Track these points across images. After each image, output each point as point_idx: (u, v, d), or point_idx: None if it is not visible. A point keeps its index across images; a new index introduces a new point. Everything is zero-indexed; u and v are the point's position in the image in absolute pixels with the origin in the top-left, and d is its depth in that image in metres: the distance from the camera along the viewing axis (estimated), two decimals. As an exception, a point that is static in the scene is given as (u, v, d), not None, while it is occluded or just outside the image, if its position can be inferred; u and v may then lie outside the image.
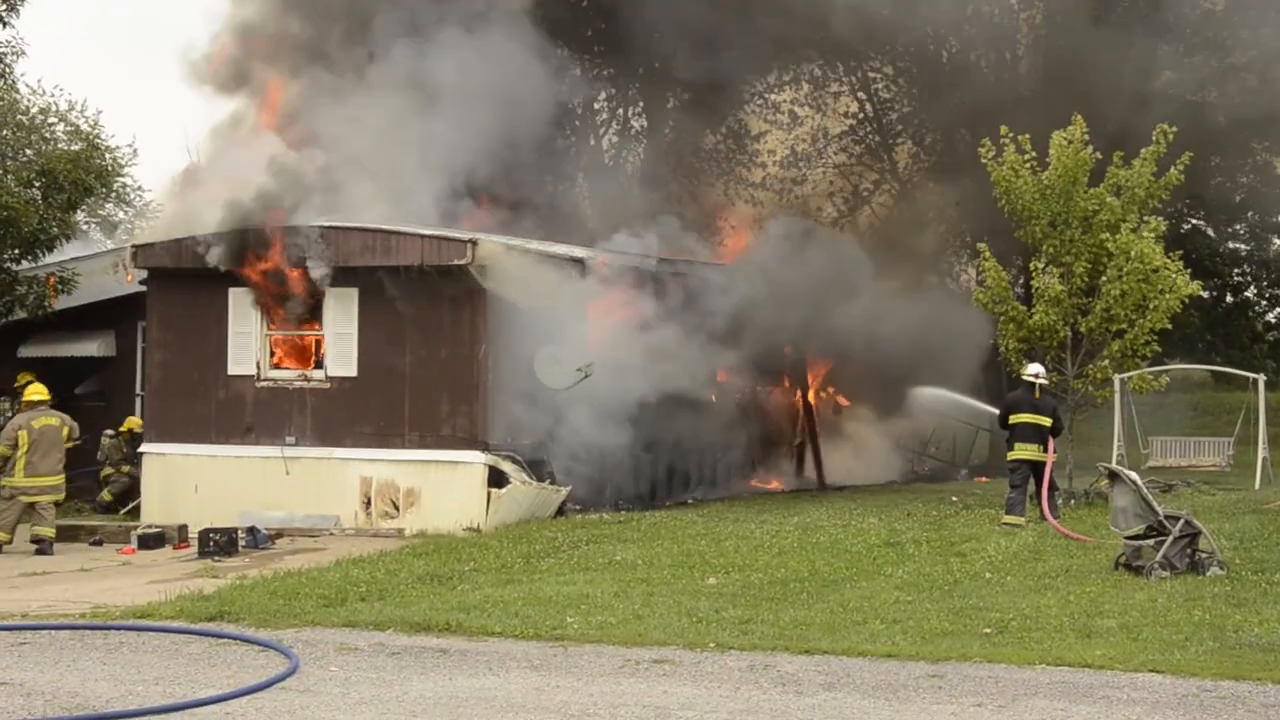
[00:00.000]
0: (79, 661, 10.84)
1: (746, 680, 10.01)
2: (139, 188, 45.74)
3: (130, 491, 21.15)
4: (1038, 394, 18.52)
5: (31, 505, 17.94)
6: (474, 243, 18.81)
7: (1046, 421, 18.35)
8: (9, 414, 23.34)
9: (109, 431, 21.58)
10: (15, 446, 18.06)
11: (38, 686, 9.96)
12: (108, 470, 21.45)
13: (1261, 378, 23.76)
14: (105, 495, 21.30)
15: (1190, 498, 20.35)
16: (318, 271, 19.18)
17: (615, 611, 12.38)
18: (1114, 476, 14.84)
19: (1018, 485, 18.17)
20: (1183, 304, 20.01)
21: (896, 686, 9.78)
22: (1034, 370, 18.75)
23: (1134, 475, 14.69)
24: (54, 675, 10.35)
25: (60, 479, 18.23)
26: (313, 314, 19.71)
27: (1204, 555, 13.97)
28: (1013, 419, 18.50)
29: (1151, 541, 14.01)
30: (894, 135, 32.18)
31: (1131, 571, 13.98)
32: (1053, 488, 18.30)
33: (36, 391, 18.67)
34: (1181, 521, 13.97)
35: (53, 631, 12.03)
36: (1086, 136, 19.97)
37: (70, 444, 18.46)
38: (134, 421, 21.70)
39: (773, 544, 16.40)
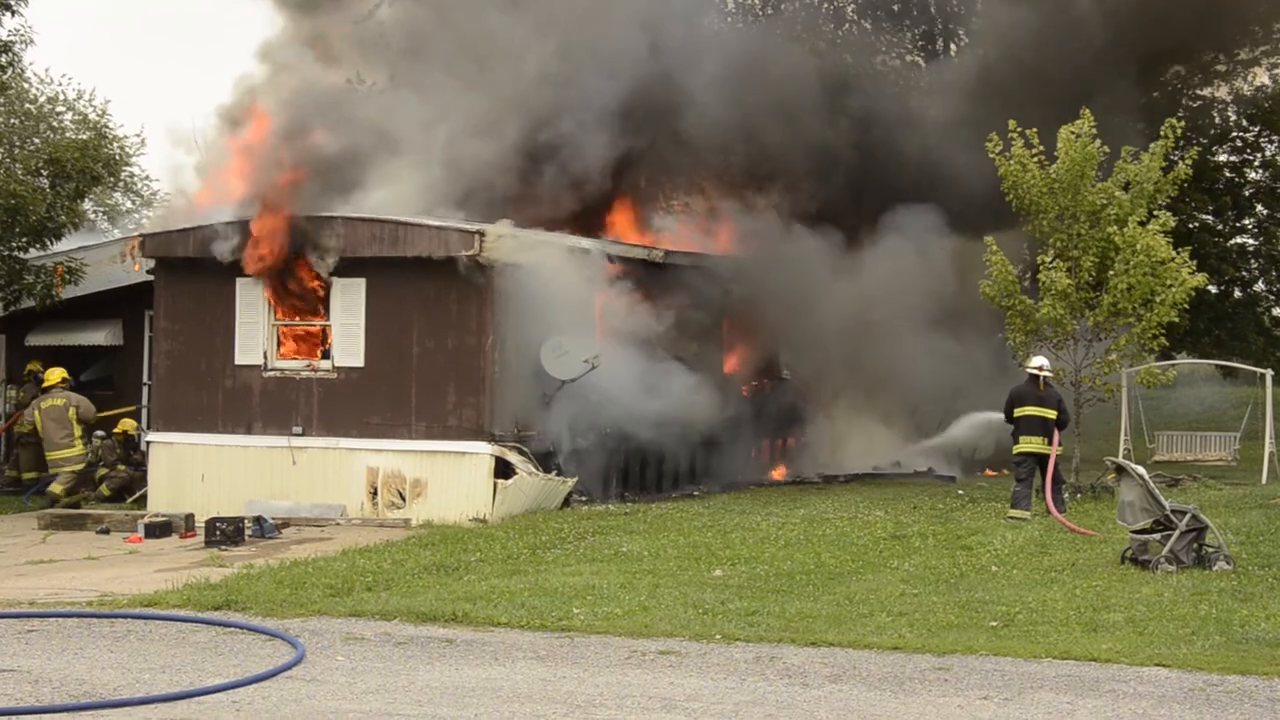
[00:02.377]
0: (86, 649, 10.87)
1: (752, 672, 10.02)
2: (146, 177, 45.93)
3: (128, 487, 21.27)
4: (1042, 386, 18.52)
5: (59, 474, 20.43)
6: (481, 234, 18.81)
7: (1051, 414, 18.34)
8: (15, 400, 23.51)
9: (100, 433, 21.73)
10: (35, 427, 21.00)
11: (45, 674, 9.99)
12: (103, 470, 21.60)
13: (1269, 373, 23.72)
14: (104, 490, 21.38)
15: (1197, 492, 20.33)
16: (325, 262, 19.20)
17: (621, 603, 12.39)
18: (1121, 470, 14.84)
19: (1023, 479, 18.16)
20: (1190, 297, 20.00)
21: (903, 679, 9.78)
22: (1038, 363, 18.73)
23: (1140, 469, 14.68)
24: (61, 663, 10.38)
25: (71, 452, 20.42)
26: (320, 304, 19.72)
27: (1210, 550, 13.97)
28: (1017, 412, 18.48)
29: (1158, 536, 14.01)
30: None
31: (1138, 566, 13.98)
32: (1059, 481, 18.30)
33: (49, 377, 20.97)
34: (1188, 516, 13.96)
35: (60, 619, 12.06)
36: (1094, 130, 19.95)
37: (82, 422, 20.62)
38: (128, 424, 22.08)
39: (779, 536, 16.41)
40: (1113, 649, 10.48)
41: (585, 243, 21.02)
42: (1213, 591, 12.62)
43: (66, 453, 20.48)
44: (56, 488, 20.40)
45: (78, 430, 20.53)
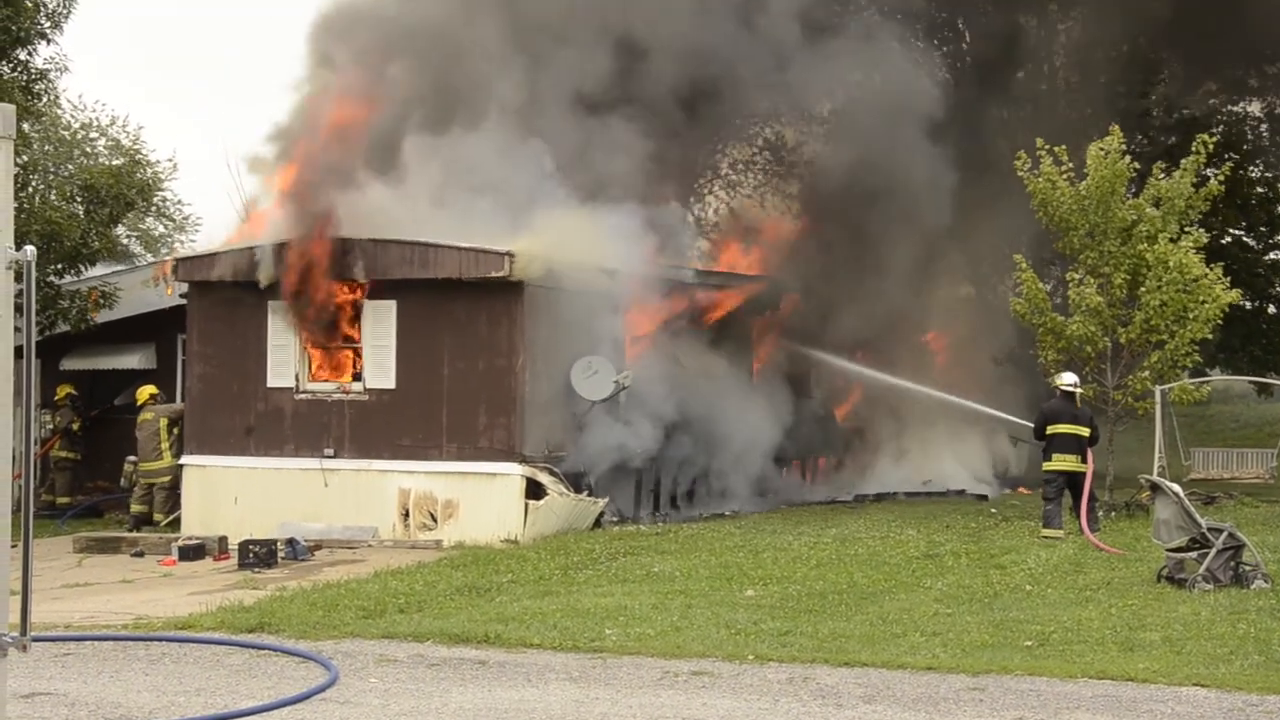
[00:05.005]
0: (122, 672, 10.92)
1: (786, 692, 9.98)
2: (179, 201, 46.27)
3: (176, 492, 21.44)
4: (1078, 404, 18.43)
5: (150, 487, 21.18)
6: (511, 255, 18.86)
7: (1085, 432, 18.24)
8: (49, 425, 23.71)
9: (131, 458, 21.85)
10: (68, 453, 22.57)
11: (81, 697, 10.04)
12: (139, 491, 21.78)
13: (1305, 389, 23.56)
14: (136, 507, 21.52)
15: (1233, 510, 20.18)
16: (357, 284, 19.29)
17: (654, 623, 12.37)
18: (1156, 488, 14.74)
19: (1052, 498, 18.05)
20: (1223, 314, 19.88)
21: (937, 699, 9.73)
22: (1071, 380, 18.64)
23: (1176, 487, 14.59)
24: (97, 686, 10.43)
25: (159, 464, 21.01)
26: (351, 326, 19.79)
27: (1248, 568, 13.85)
28: (1051, 429, 18.39)
29: (1194, 554, 13.90)
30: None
31: (1174, 584, 13.87)
32: (1093, 500, 18.18)
33: (139, 394, 21.65)
34: (1225, 534, 13.85)
35: (96, 642, 12.12)
36: (1124, 147, 19.87)
37: (175, 426, 21.10)
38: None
39: (810, 556, 16.36)
40: (1150, 669, 10.39)
41: (614, 262, 21.02)
42: (1251, 610, 12.50)
43: (156, 465, 21.03)
44: (138, 507, 21.09)
45: (166, 443, 21.05)
